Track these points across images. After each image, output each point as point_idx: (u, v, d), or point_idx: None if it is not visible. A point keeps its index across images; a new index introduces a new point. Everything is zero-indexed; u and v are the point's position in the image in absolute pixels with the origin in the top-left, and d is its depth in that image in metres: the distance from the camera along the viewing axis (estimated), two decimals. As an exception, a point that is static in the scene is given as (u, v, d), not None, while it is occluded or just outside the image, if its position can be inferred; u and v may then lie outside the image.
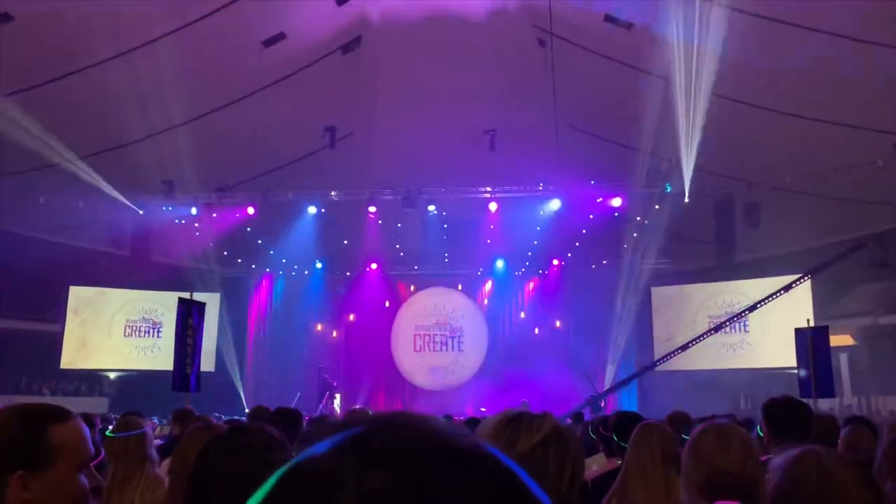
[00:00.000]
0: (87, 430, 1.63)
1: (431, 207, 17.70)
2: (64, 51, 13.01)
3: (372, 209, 17.76)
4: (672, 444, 2.92)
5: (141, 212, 17.27)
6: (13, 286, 16.84)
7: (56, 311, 18.94)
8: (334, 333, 21.33)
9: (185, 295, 9.48)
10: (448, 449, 0.47)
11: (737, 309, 17.97)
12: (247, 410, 17.06)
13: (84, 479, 1.57)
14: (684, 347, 17.15)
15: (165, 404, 11.88)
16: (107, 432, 3.44)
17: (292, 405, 17.35)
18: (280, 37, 14.83)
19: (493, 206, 17.58)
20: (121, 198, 16.49)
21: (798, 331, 10.70)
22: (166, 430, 8.19)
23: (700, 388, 16.84)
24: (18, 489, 1.47)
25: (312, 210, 17.94)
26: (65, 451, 1.54)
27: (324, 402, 17.30)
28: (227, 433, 1.73)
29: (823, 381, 10.07)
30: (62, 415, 1.59)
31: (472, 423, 5.50)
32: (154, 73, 13.98)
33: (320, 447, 0.49)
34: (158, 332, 19.69)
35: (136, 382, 18.82)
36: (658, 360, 17.63)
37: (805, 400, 8.88)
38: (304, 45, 15.30)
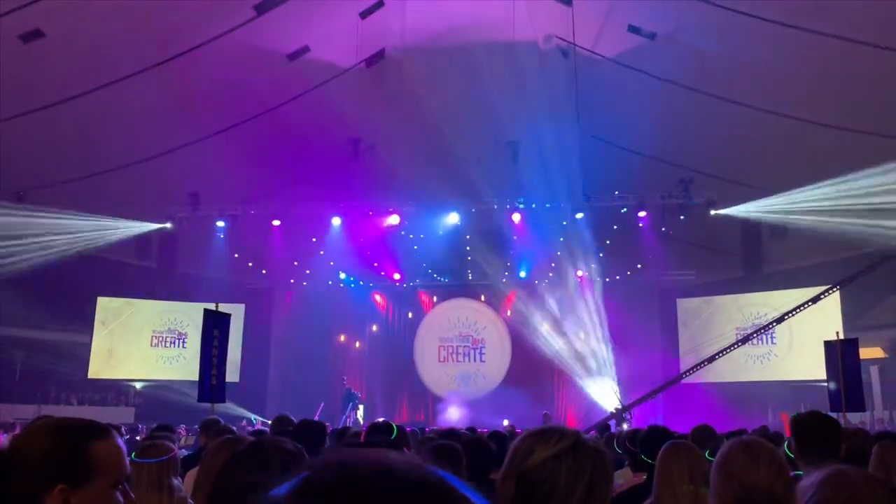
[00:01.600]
0: (125, 448, 1.65)
1: (455, 218, 17.69)
2: (92, 66, 13.23)
3: (396, 220, 17.80)
4: (700, 463, 2.88)
5: (168, 224, 17.46)
6: (42, 297, 17.11)
7: (84, 321, 19.19)
8: (357, 344, 21.35)
9: (211, 306, 9.54)
10: (386, 472, 0.58)
11: (764, 321, 17.69)
12: (269, 422, 17.19)
13: (120, 497, 1.58)
14: (711, 359, 16.89)
15: (191, 414, 11.99)
16: (132, 455, 3.23)
17: (315, 416, 17.45)
18: (305, 50, 14.98)
19: (516, 218, 17.53)
20: (148, 211, 16.69)
21: (827, 343, 10.52)
22: (191, 441, 8.24)
23: (727, 401, 16.59)
24: (58, 503, 1.49)
25: (336, 221, 18.02)
26: (104, 468, 1.56)
27: (347, 413, 17.32)
28: (247, 448, 1.74)
29: (854, 394, 9.88)
30: (103, 431, 1.61)
31: (494, 436, 5.46)
32: (180, 88, 14.17)
33: (276, 492, 0.58)
34: (184, 342, 19.87)
35: (162, 392, 19.00)
36: (684, 372, 17.39)
37: (835, 414, 8.76)
38: (329, 58, 15.43)
